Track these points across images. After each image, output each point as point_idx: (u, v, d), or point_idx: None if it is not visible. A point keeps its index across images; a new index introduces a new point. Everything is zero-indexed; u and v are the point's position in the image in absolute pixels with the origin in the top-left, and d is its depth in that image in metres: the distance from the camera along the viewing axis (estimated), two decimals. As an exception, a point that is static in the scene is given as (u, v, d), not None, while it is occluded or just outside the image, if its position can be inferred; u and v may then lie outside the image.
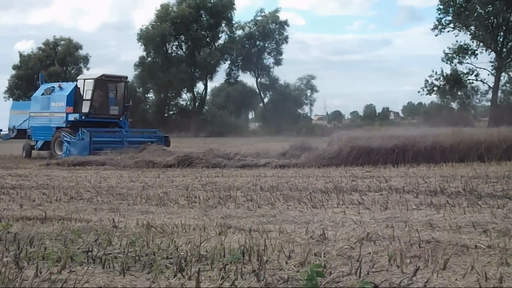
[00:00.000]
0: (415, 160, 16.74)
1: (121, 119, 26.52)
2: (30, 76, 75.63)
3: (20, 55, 79.08)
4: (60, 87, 26.36)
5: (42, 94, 26.69)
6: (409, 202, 8.18)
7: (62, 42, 79.24)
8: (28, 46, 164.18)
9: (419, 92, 63.06)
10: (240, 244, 5.13)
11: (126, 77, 28.50)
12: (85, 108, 25.03)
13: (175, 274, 4.27)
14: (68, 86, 26.41)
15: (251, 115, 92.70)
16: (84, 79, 25.93)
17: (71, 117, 25.04)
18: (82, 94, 25.17)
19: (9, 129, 28.67)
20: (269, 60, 78.81)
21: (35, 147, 26.52)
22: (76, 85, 25.75)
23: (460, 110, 61.77)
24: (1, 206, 8.71)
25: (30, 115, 26.82)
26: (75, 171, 17.37)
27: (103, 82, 26.21)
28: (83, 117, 24.87)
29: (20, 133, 27.93)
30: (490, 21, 59.29)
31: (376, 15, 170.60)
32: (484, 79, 61.96)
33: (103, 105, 26.06)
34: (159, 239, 5.65)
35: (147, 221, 6.60)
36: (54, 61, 77.33)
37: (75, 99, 25.24)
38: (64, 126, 24.87)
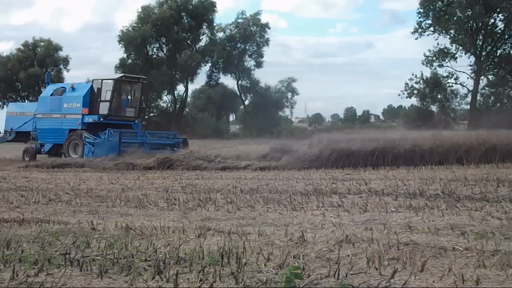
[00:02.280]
0: (395, 163, 16.84)
1: (136, 121, 25.98)
2: (9, 77, 75.14)
3: (-1, 56, 78.42)
4: (73, 88, 25.40)
5: (51, 95, 25.74)
6: (388, 204, 8.21)
7: (42, 44, 78.65)
8: (8, 47, 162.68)
9: (399, 95, 63.39)
10: (219, 246, 5.12)
11: (145, 78, 27.87)
12: (103, 109, 24.23)
13: (153, 276, 4.25)
14: (82, 87, 25.57)
15: (232, 117, 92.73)
16: (102, 80, 25.02)
17: (89, 119, 24.19)
18: (99, 95, 24.38)
19: (5, 131, 27.46)
20: (250, 63, 79.00)
21: (42, 150, 25.35)
22: (92, 85, 24.89)
23: (440, 113, 62.20)
24: (-22, 208, 8.63)
25: (36, 117, 25.61)
26: (54, 173, 17.25)
27: (122, 83, 25.58)
28: (101, 119, 24.08)
29: (20, 136, 26.71)
30: (469, 25, 59.80)
31: (358, 18, 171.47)
32: (464, 82, 62.52)
33: (119, 107, 25.22)
34: (138, 242, 5.62)
35: (126, 223, 6.57)
36: (33, 63, 76.71)
37: (90, 100, 24.45)
38: (79, 128, 24.08)
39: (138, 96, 26.33)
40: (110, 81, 24.91)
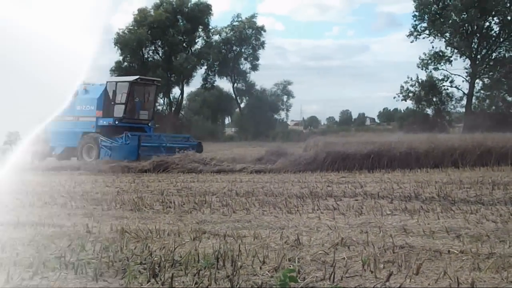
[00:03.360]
0: (390, 166, 16.85)
1: (149, 124, 25.64)
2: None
3: (-6, 58, 78.21)
4: (86, 90, 24.61)
5: None
6: (383, 207, 8.21)
7: (37, 46, 78.52)
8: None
9: (394, 98, 63.23)
10: (215, 249, 5.11)
11: (159, 80, 27.61)
12: (118, 112, 23.86)
13: (149, 279, 4.24)
14: (96, 89, 24.91)
15: (227, 120, 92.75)
16: (117, 82, 24.81)
17: (104, 122, 23.82)
18: (114, 97, 24.01)
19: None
20: (245, 66, 78.91)
21: (53, 153, 24.72)
22: (105, 87, 24.45)
23: (435, 116, 62.19)
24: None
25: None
26: (49, 176, 17.21)
27: (137, 85, 25.17)
28: (116, 122, 23.71)
29: None
30: (464, 28, 59.84)
31: (355, 21, 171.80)
32: (459, 85, 62.42)
33: (133, 110, 24.80)
34: (133, 245, 5.61)
35: (121, 226, 6.56)
36: (29, 65, 76.53)
37: (104, 102, 24.04)
38: (93, 131, 23.68)
39: (152, 99, 26.01)
40: (125, 83, 24.57)
